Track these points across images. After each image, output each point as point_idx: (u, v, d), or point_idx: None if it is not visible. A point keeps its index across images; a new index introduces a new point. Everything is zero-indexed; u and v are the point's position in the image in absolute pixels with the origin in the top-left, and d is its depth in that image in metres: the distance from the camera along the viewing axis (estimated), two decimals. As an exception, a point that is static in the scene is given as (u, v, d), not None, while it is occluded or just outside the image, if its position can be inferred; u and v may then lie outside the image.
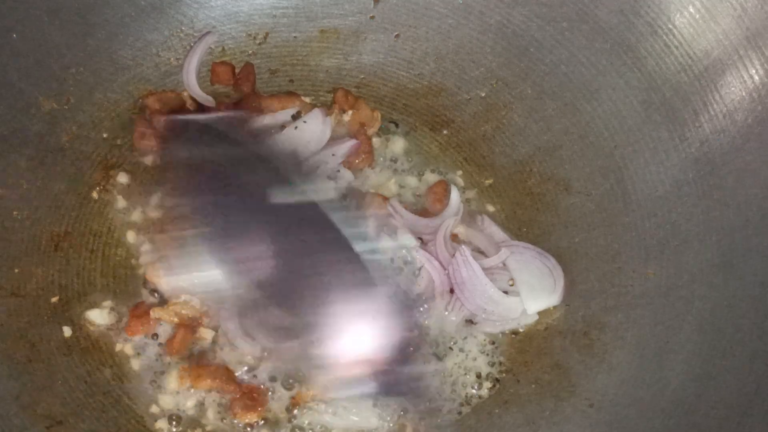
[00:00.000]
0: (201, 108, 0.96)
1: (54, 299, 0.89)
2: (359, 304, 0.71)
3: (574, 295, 0.91)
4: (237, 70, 1.02)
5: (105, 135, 0.98)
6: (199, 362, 0.86)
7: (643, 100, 0.95)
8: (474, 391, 0.87)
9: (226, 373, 0.84)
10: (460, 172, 0.99)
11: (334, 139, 0.97)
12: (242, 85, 1.01)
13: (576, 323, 0.90)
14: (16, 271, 0.89)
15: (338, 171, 0.95)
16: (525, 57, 1.01)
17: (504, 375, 0.88)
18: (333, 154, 0.95)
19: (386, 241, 0.89)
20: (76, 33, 0.98)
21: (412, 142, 1.00)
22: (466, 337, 0.89)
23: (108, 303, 0.89)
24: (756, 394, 0.78)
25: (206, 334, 0.87)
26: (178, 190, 0.78)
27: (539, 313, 0.91)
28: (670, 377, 0.83)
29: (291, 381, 0.84)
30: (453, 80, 1.03)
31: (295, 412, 0.84)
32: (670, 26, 0.94)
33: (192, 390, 0.85)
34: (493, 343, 0.89)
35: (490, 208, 0.97)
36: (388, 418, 0.83)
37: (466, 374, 0.87)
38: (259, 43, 1.04)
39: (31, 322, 0.87)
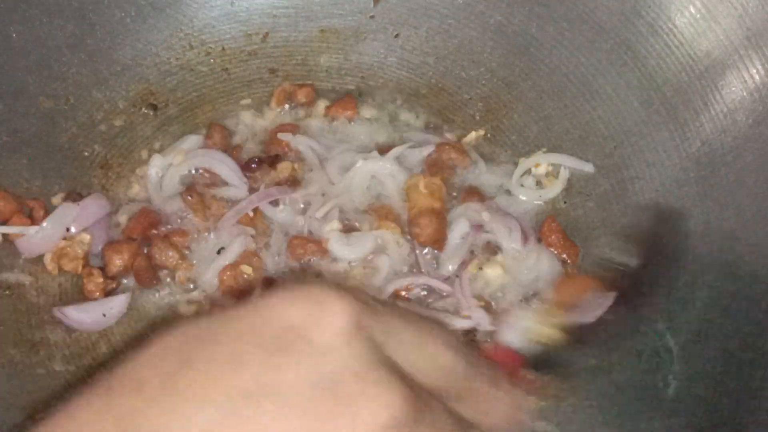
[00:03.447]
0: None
1: (53, 300, 0.89)
2: None
3: (574, 296, 0.92)
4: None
5: (104, 135, 0.97)
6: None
7: (644, 100, 0.95)
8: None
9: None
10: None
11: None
12: None
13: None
14: (16, 271, 0.90)
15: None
16: (525, 57, 1.01)
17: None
18: None
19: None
20: (76, 33, 0.98)
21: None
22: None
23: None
24: (756, 394, 0.78)
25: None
26: None
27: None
28: (670, 378, 0.83)
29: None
30: (453, 80, 1.03)
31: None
32: (671, 26, 0.93)
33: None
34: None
35: (490, 208, 0.97)
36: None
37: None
38: (259, 43, 1.04)
39: (30, 323, 0.87)
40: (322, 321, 0.38)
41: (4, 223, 0.90)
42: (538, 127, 1.00)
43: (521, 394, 0.50)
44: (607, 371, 0.86)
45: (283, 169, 0.94)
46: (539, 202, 0.96)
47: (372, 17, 1.04)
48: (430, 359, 0.42)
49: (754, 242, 0.86)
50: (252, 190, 0.93)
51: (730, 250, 0.87)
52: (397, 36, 1.04)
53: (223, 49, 1.03)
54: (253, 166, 0.94)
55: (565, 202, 0.96)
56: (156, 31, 1.01)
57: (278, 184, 0.93)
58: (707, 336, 0.84)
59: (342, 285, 0.41)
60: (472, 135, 0.99)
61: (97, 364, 0.86)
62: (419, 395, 0.39)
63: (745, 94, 0.90)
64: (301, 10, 1.04)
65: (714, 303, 0.85)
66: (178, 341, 0.38)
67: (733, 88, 0.90)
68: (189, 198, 0.91)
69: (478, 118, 1.01)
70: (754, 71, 0.89)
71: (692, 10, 0.92)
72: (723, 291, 0.85)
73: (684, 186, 0.91)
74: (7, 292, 0.88)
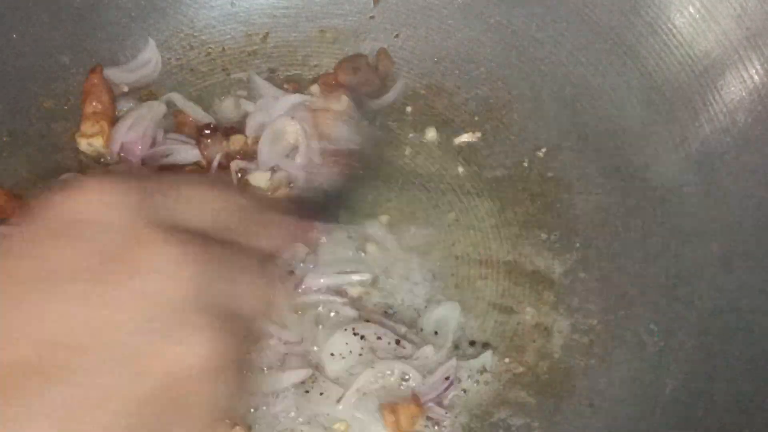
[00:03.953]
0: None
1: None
2: None
3: (574, 295, 0.91)
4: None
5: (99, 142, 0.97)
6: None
7: (643, 100, 0.95)
8: (473, 390, 0.87)
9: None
10: (461, 169, 0.99)
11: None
12: None
13: (576, 323, 0.90)
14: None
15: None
16: (525, 57, 1.01)
17: (503, 375, 0.88)
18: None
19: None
20: (76, 33, 0.98)
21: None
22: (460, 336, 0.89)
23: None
24: (756, 394, 0.78)
25: None
26: None
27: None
28: (669, 377, 0.83)
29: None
30: (453, 80, 1.03)
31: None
32: (670, 26, 0.94)
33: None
34: (488, 344, 0.89)
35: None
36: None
37: (464, 374, 0.87)
38: (259, 43, 1.04)
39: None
40: (96, 203, 0.43)
41: (3, 221, 0.90)
42: (538, 127, 1.00)
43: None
44: (606, 371, 0.86)
45: (236, 141, 0.95)
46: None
47: (372, 17, 1.04)
48: (215, 207, 0.49)
49: (754, 242, 0.86)
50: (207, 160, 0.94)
51: (729, 250, 0.87)
52: (397, 36, 1.04)
53: (223, 49, 1.03)
54: (206, 132, 0.94)
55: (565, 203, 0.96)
56: (156, 31, 1.01)
57: (228, 155, 0.94)
58: (706, 335, 0.84)
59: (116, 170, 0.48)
60: (465, 136, 0.99)
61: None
62: (208, 244, 0.45)
63: (744, 94, 0.90)
64: (301, 10, 1.04)
65: (713, 302, 0.85)
66: None
67: (733, 88, 0.90)
68: None
69: (477, 118, 1.01)
70: (754, 71, 0.89)
71: (691, 10, 0.92)
72: (722, 290, 0.85)
73: (684, 186, 0.91)
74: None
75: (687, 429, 0.79)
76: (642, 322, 0.88)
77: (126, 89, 0.98)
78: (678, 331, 0.86)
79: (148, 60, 0.99)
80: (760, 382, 0.78)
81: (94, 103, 0.95)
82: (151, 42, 0.99)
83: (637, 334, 0.87)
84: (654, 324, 0.87)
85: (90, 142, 0.94)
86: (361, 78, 0.99)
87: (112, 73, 0.98)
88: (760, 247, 0.85)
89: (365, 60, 1.00)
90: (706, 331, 0.84)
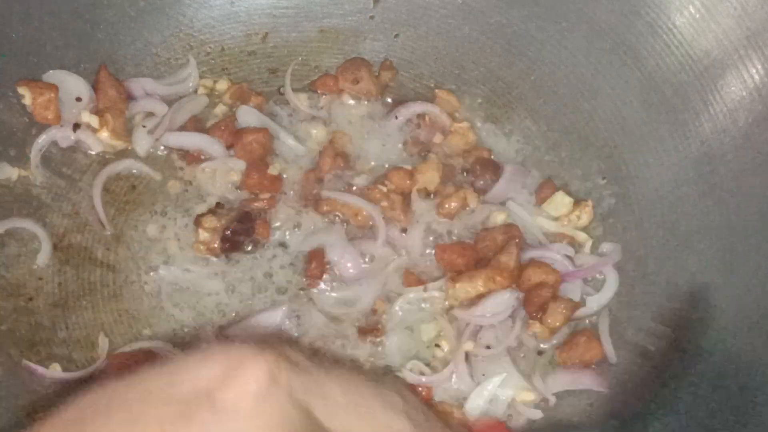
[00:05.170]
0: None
1: (53, 299, 0.89)
2: None
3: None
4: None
5: (105, 134, 0.97)
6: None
7: (643, 100, 0.95)
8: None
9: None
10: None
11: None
12: None
13: (576, 323, 0.90)
14: (14, 269, 0.90)
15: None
16: (525, 57, 1.01)
17: (504, 375, 0.88)
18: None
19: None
20: (76, 33, 0.98)
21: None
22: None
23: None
24: (756, 394, 0.78)
25: None
26: None
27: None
28: (669, 377, 0.83)
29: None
30: (453, 80, 1.03)
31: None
32: (670, 26, 0.93)
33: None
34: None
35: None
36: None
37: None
38: (259, 43, 1.04)
39: (30, 323, 0.87)
40: (232, 381, 0.35)
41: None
42: (538, 127, 1.00)
43: None
44: (607, 370, 0.86)
45: None
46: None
47: (372, 17, 1.04)
48: (370, 422, 0.40)
49: (754, 242, 0.86)
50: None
51: (729, 250, 0.87)
52: (397, 36, 1.04)
53: (223, 49, 1.03)
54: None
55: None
56: (156, 31, 1.02)
57: None
58: (706, 335, 0.84)
59: (269, 343, 0.38)
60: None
61: (95, 366, 0.86)
62: None
63: (744, 94, 0.90)
64: (301, 10, 1.04)
65: (713, 301, 0.85)
66: (73, 411, 0.36)
67: (733, 88, 0.90)
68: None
69: (477, 118, 1.01)
70: (754, 71, 0.89)
71: (692, 9, 0.92)
72: (722, 290, 0.85)
73: (684, 186, 0.91)
74: (8, 291, 0.88)
75: (688, 429, 0.79)
76: (642, 322, 0.88)
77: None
78: (678, 332, 0.86)
79: (187, 76, 1.00)
80: (760, 381, 0.78)
81: (101, 100, 0.96)
82: (192, 60, 1.00)
83: (637, 334, 0.87)
84: (654, 324, 0.87)
85: (99, 137, 0.95)
86: (361, 88, 0.99)
87: (149, 85, 0.98)
88: (759, 247, 0.85)
89: (368, 69, 1.00)
90: (706, 331, 0.84)
